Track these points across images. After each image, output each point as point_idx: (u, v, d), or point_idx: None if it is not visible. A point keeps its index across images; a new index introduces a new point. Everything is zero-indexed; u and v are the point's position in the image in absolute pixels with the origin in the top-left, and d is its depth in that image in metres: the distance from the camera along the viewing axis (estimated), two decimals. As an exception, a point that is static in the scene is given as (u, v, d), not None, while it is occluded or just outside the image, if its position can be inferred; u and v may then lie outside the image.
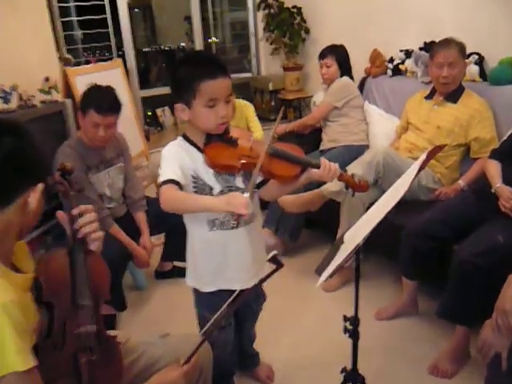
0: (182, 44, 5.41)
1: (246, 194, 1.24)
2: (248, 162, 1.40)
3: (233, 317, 1.69)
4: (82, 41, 4.91)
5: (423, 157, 1.28)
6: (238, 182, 1.50)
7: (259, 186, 1.59)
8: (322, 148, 3.30)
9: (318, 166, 1.50)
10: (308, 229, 3.19)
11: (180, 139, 1.51)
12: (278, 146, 1.51)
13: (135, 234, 2.53)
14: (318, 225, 3.22)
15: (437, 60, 2.57)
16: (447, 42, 2.56)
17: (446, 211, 2.20)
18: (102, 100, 2.27)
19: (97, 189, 2.40)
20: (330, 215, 2.66)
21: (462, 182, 2.53)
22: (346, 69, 3.25)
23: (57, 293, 1.14)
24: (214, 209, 1.31)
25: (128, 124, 3.30)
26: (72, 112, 2.74)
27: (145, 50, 5.54)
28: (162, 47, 5.63)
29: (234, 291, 1.29)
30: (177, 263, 2.87)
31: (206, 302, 1.60)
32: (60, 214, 1.21)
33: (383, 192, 2.57)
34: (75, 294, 1.13)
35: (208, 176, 1.45)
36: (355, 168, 2.49)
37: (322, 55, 3.24)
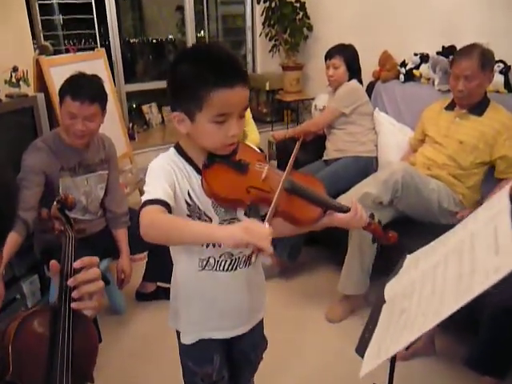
0: (170, 36, 5.06)
1: (266, 225, 0.94)
2: (259, 196, 1.09)
3: (226, 369, 1.38)
4: (62, 27, 4.54)
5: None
6: (240, 213, 1.18)
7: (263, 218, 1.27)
8: (326, 158, 3.00)
9: (345, 210, 1.19)
10: (308, 246, 2.88)
11: (173, 152, 1.16)
12: (296, 179, 1.18)
13: (113, 254, 2.20)
14: (320, 242, 2.91)
15: (453, 71, 2.31)
16: (468, 52, 2.27)
17: None
18: (81, 86, 1.94)
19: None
20: (334, 231, 2.36)
21: (485, 205, 2.26)
22: (354, 71, 2.94)
23: (26, 373, 0.82)
24: (222, 239, 0.95)
25: (109, 121, 2.95)
26: (45, 108, 2.37)
27: (132, 41, 5.17)
28: (150, 39, 5.26)
29: (220, 340, 1.15)
30: (161, 284, 2.53)
31: (189, 352, 1.31)
32: (55, 264, 0.90)
33: (398, 212, 2.35)
34: (50, 379, 0.83)
35: (205, 204, 1.13)
36: (368, 186, 2.20)
37: (330, 55, 2.92)
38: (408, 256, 1.20)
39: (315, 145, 3.11)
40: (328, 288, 2.52)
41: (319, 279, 2.70)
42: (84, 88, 1.94)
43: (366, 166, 2.84)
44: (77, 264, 0.86)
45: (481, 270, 0.69)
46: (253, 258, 0.92)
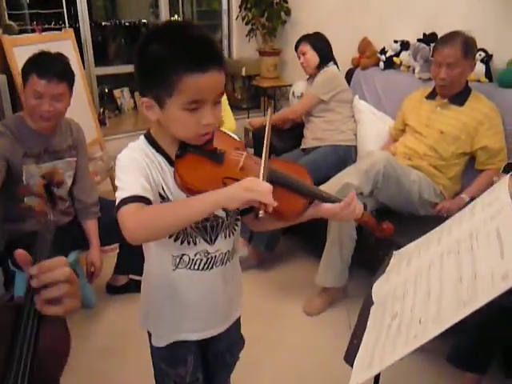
0: (144, 20, 4.88)
1: (268, 184, 0.92)
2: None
3: (200, 370, 1.30)
4: (28, 6, 4.32)
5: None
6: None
7: (244, 212, 1.18)
8: (304, 146, 2.92)
9: (333, 200, 1.09)
10: (286, 236, 2.81)
11: (143, 141, 1.06)
12: (277, 167, 1.09)
13: (82, 246, 2.08)
14: (298, 232, 2.84)
15: (436, 58, 2.27)
16: (450, 38, 2.23)
17: None
18: (48, 64, 1.82)
19: (33, 184, 1.93)
20: (313, 221, 2.30)
21: (465, 196, 2.23)
22: (326, 55, 2.88)
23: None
24: (227, 202, 0.90)
25: (78, 106, 2.80)
26: (7, 90, 2.21)
27: (103, 23, 4.96)
28: (123, 22, 5.06)
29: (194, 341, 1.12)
30: (133, 276, 2.43)
31: (161, 353, 1.23)
32: (21, 254, 0.74)
33: (378, 203, 2.30)
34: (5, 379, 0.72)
35: (182, 197, 1.03)
36: (350, 177, 2.13)
37: (296, 45, 2.93)
38: (394, 253, 1.14)
39: (293, 133, 3.04)
40: (306, 279, 2.46)
41: (297, 270, 2.64)
42: (51, 66, 1.82)
43: (345, 156, 2.78)
44: (38, 269, 0.72)
45: (485, 275, 0.63)
46: (260, 213, 0.89)
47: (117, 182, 0.99)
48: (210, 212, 0.96)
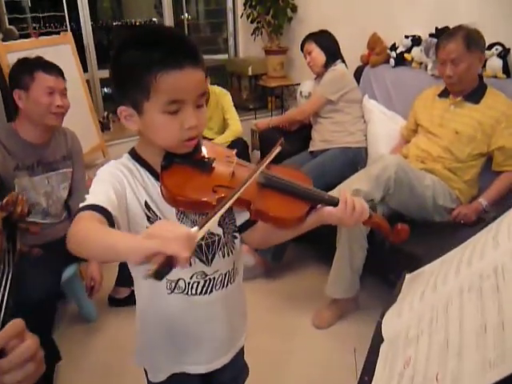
0: (154, 19, 4.80)
1: (195, 229, 0.68)
2: (228, 196, 0.89)
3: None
4: (31, 9, 4.25)
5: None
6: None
7: (243, 228, 1.08)
8: (312, 149, 2.81)
9: (334, 203, 0.98)
10: (294, 244, 2.68)
11: (126, 157, 0.99)
12: (274, 171, 1.00)
13: (81, 258, 2.00)
14: (307, 239, 2.72)
15: (439, 56, 2.16)
16: (451, 34, 2.13)
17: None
18: (46, 61, 1.86)
19: (28, 197, 1.85)
20: (322, 227, 2.19)
21: (483, 201, 2.10)
22: (333, 53, 2.76)
23: None
24: (125, 254, 0.68)
25: (78, 111, 2.73)
26: (1, 99, 2.13)
27: (114, 23, 4.91)
28: (133, 21, 4.99)
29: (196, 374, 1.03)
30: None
31: None
32: None
33: (389, 209, 2.18)
34: None
35: (169, 215, 0.95)
36: (359, 182, 2.02)
37: (302, 45, 2.83)
38: (407, 277, 1.02)
39: (300, 135, 2.92)
40: (316, 290, 2.34)
41: (306, 280, 2.52)
42: (50, 63, 1.85)
43: (355, 158, 2.66)
44: None
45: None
46: (149, 272, 0.62)
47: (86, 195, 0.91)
48: (112, 258, 0.78)
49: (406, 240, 1.08)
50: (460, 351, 0.60)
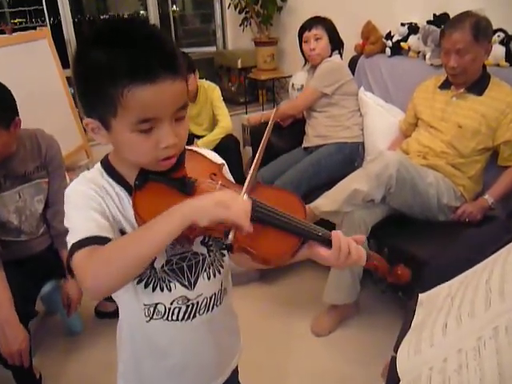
0: (142, 12, 4.62)
1: (245, 197, 0.77)
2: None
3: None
4: (13, 3, 4.08)
5: None
6: (196, 243, 0.89)
7: (228, 249, 0.95)
8: (306, 145, 2.68)
9: (328, 242, 0.85)
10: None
11: (98, 170, 0.86)
12: (262, 196, 0.84)
13: (63, 273, 1.86)
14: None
15: (444, 45, 2.01)
16: (458, 21, 1.97)
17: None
18: None
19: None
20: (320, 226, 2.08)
21: (489, 198, 1.98)
22: (336, 44, 2.62)
23: None
24: (193, 214, 0.70)
25: (57, 110, 2.58)
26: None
27: (101, 17, 4.72)
28: (120, 15, 4.80)
29: None
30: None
31: None
32: None
33: (391, 209, 2.07)
34: None
35: None
36: (358, 182, 1.90)
37: (309, 26, 2.56)
38: (420, 297, 0.90)
39: (293, 130, 2.79)
40: (314, 294, 2.21)
41: (304, 284, 2.39)
42: None
43: (352, 154, 2.53)
44: None
45: None
46: (229, 237, 0.72)
47: (66, 223, 0.80)
48: (180, 230, 0.71)
49: (406, 283, 0.95)
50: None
